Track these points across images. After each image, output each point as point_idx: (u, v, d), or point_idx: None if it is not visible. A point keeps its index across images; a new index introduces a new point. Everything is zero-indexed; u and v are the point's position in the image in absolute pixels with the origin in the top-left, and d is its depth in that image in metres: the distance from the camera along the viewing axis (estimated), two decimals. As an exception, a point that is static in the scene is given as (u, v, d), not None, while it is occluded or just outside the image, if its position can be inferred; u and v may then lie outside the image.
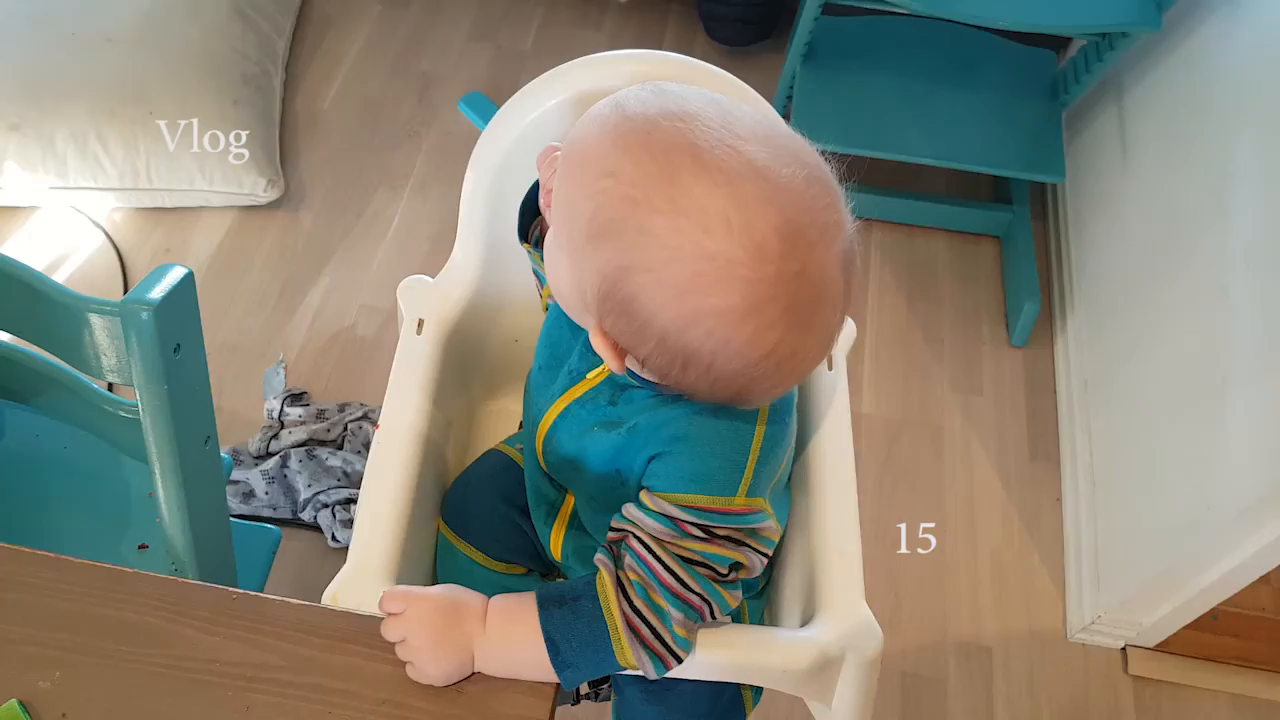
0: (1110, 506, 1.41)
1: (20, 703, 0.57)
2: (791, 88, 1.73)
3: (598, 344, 0.61)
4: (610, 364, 0.62)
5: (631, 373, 0.63)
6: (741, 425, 0.64)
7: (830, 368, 0.80)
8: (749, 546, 0.64)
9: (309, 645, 0.61)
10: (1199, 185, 1.36)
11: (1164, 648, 1.37)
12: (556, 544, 0.77)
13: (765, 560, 0.66)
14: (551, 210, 0.62)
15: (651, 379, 0.62)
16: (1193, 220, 1.36)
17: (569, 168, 0.59)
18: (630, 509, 0.64)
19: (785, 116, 1.74)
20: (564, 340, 0.71)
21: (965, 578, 1.44)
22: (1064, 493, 1.52)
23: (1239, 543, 1.17)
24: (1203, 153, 1.37)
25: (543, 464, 0.74)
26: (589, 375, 0.69)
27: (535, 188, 0.72)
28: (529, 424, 0.75)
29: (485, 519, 0.79)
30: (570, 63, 0.76)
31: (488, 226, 0.79)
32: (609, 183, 0.56)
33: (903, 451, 1.56)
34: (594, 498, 0.72)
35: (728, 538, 0.63)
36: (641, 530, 0.63)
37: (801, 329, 0.57)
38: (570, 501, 0.76)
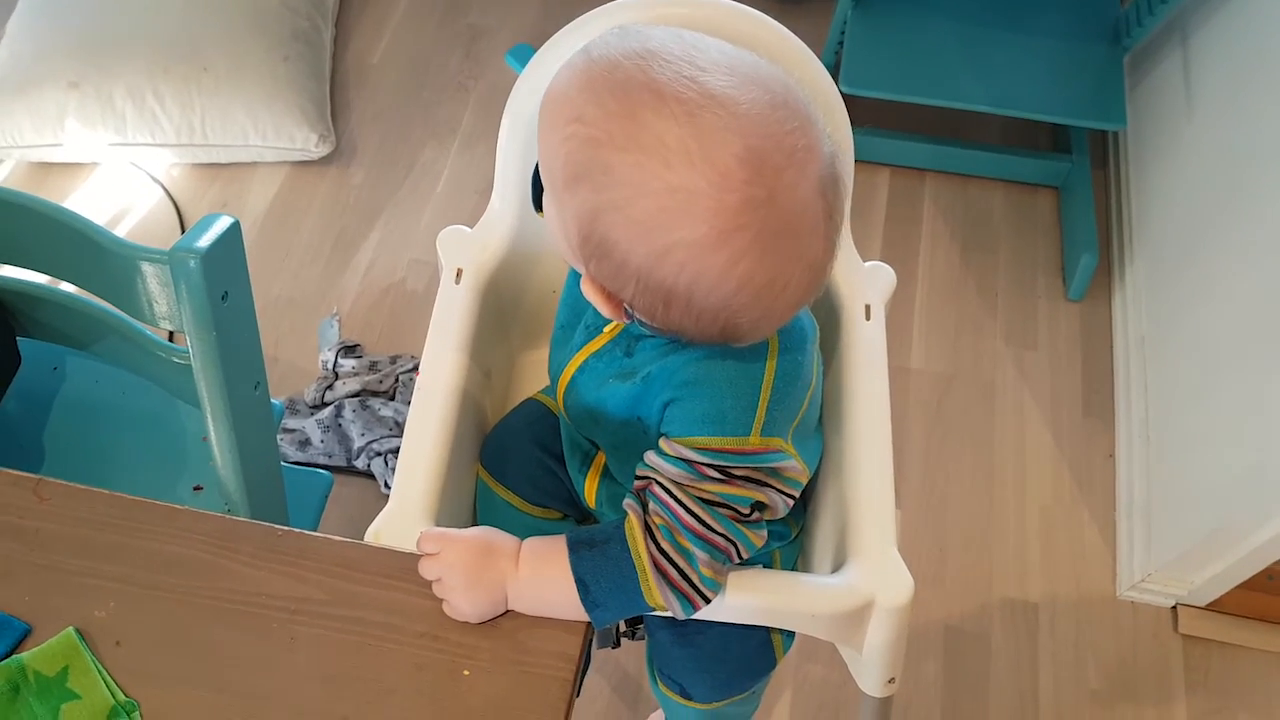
0: (1164, 463, 1.38)
1: (77, 630, 0.60)
2: (843, 34, 1.69)
3: (588, 290, 0.62)
4: (602, 309, 0.62)
5: (636, 319, 0.63)
6: (751, 364, 0.64)
7: (868, 318, 0.79)
8: (770, 486, 0.64)
9: (351, 580, 0.63)
10: (1264, 132, 1.30)
11: (1215, 607, 1.34)
12: (591, 491, 0.79)
13: (790, 501, 0.66)
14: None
15: (644, 322, 0.62)
16: (1257, 169, 1.30)
17: (544, 118, 0.59)
18: (650, 456, 0.65)
19: (836, 64, 1.71)
20: (580, 297, 0.72)
21: (1013, 533, 1.43)
22: (1118, 449, 1.49)
23: (1296, 501, 1.14)
24: (1269, 99, 1.31)
25: (566, 417, 0.75)
26: (605, 329, 0.70)
27: None
28: (552, 381, 0.76)
29: (522, 465, 0.81)
30: (605, 6, 0.75)
31: (524, 175, 0.79)
32: (575, 127, 0.56)
33: (953, 406, 1.54)
34: (619, 447, 0.73)
35: (745, 478, 0.63)
36: (662, 476, 0.63)
37: (777, 256, 0.56)
38: (602, 457, 0.77)
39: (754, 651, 0.79)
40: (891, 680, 0.73)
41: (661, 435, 0.65)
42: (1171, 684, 1.31)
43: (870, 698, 0.75)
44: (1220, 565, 1.27)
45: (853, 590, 0.67)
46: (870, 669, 0.72)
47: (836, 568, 0.71)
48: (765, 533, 0.65)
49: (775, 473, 0.64)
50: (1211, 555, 1.27)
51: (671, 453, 0.63)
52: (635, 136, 0.54)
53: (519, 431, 0.83)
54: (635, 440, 0.68)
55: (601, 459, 0.78)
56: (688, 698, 0.84)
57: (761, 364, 0.64)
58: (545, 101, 0.60)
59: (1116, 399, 1.54)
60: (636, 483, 0.66)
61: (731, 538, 0.63)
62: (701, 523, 0.62)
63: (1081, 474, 1.48)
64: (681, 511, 0.62)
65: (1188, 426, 1.35)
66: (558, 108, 0.58)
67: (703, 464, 0.63)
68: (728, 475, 0.63)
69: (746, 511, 0.63)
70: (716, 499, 0.63)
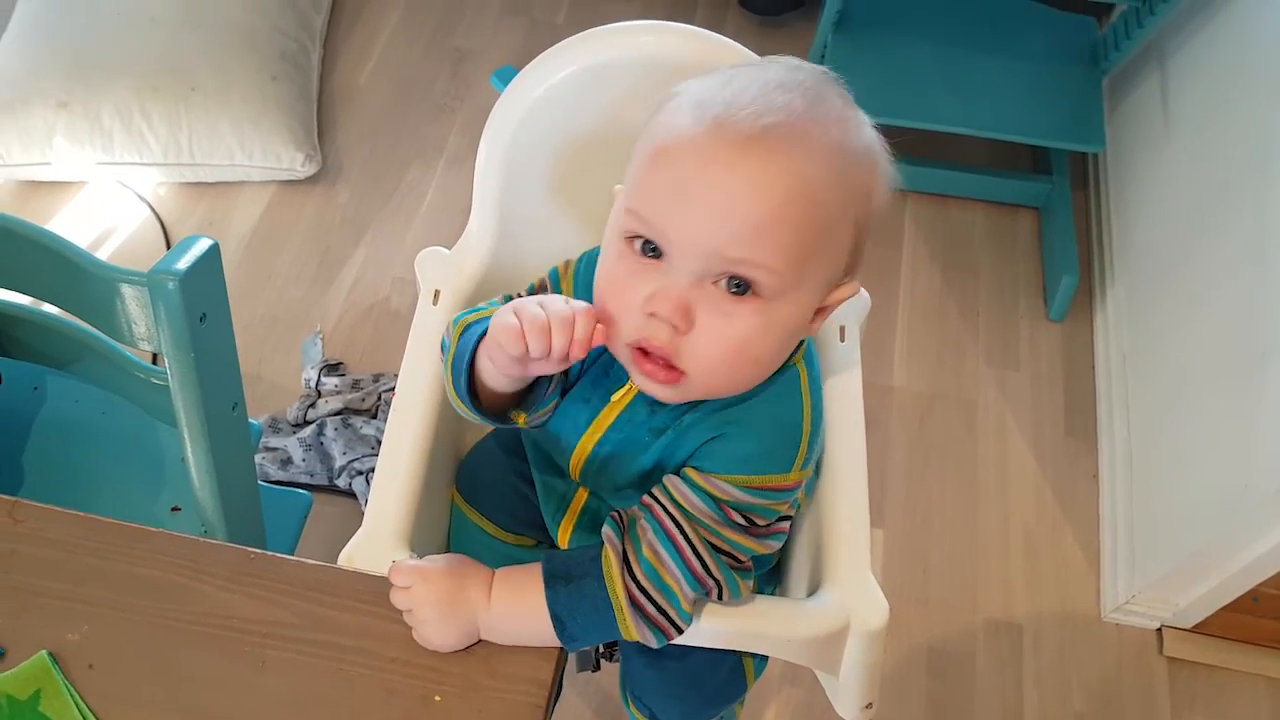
0: (1147, 483, 1.39)
1: (50, 654, 0.60)
2: (824, 57, 1.71)
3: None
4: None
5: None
6: (789, 400, 0.65)
7: (842, 340, 0.79)
8: (782, 524, 0.65)
9: (323, 604, 0.63)
10: (1242, 154, 1.31)
11: (1200, 629, 1.34)
12: (564, 537, 0.78)
13: (783, 539, 0.66)
14: (781, 267, 0.58)
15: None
16: (1235, 190, 1.32)
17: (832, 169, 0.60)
18: (674, 481, 0.64)
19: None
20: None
21: (996, 555, 1.43)
22: (1100, 469, 1.50)
23: (1277, 523, 1.14)
24: (1246, 120, 1.32)
25: (576, 478, 0.73)
26: (613, 399, 0.68)
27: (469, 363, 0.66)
28: (557, 453, 0.73)
29: (496, 491, 0.80)
30: (584, 33, 0.76)
31: (502, 197, 0.80)
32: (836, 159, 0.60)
33: (935, 426, 1.54)
34: (629, 491, 0.71)
35: (766, 526, 0.64)
36: (675, 507, 0.63)
37: None
38: (580, 499, 0.76)
39: (726, 677, 0.79)
40: (869, 705, 0.73)
41: (691, 467, 0.64)
42: (1157, 707, 1.31)
43: (848, 722, 0.75)
44: (1204, 587, 1.28)
45: (828, 614, 0.67)
46: (847, 694, 0.72)
47: (812, 592, 0.71)
48: (752, 582, 0.66)
49: (795, 503, 0.65)
50: (1196, 577, 1.28)
51: (704, 485, 0.63)
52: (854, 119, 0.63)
53: (494, 457, 0.83)
54: (649, 482, 0.67)
55: (578, 505, 0.76)
56: None
57: (798, 398, 0.65)
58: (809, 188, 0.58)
59: (1099, 419, 1.55)
60: (644, 499, 0.65)
61: (723, 583, 0.63)
62: (703, 565, 0.62)
63: (1064, 494, 1.48)
64: (687, 551, 0.62)
65: (1170, 446, 1.36)
66: (819, 175, 0.59)
67: (731, 505, 0.63)
68: (749, 523, 0.63)
69: (743, 560, 0.64)
70: (725, 547, 0.63)
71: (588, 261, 0.71)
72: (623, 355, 0.63)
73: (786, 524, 0.66)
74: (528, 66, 0.77)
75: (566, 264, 0.72)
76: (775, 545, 0.66)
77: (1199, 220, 1.40)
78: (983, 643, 1.35)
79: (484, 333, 0.64)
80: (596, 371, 0.69)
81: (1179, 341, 1.39)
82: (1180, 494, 1.31)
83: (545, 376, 0.65)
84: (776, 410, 0.64)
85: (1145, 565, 1.33)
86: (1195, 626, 1.34)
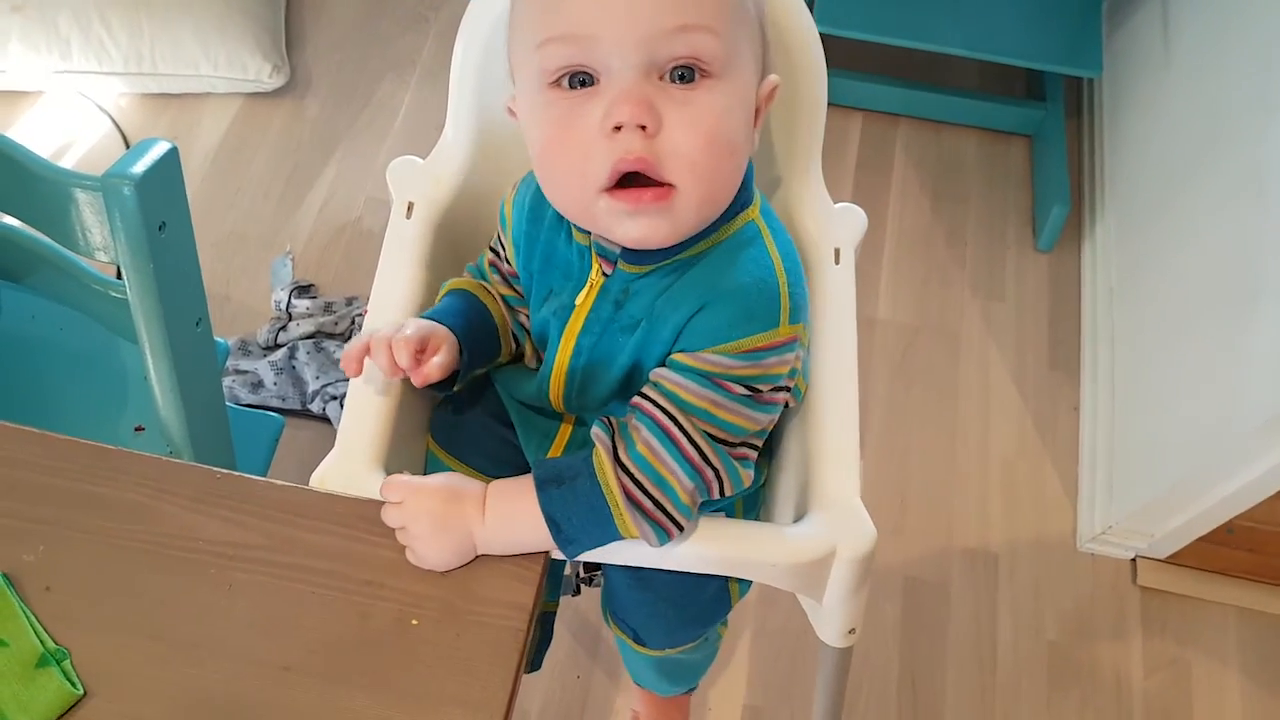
0: (1129, 416, 1.38)
1: (5, 575, 0.57)
2: (819, -26, 1.64)
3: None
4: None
5: (636, 256, 0.63)
6: (757, 255, 0.63)
7: (837, 261, 0.77)
8: (776, 395, 0.63)
9: (293, 525, 0.60)
10: (1242, 85, 1.28)
11: (1174, 560, 1.35)
12: None
13: (778, 410, 0.65)
14: (717, 66, 0.58)
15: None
16: (1233, 120, 1.29)
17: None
18: (664, 373, 0.62)
19: (810, 3, 1.66)
20: (547, 257, 0.70)
21: (975, 484, 1.43)
22: (1082, 401, 1.49)
23: (1258, 456, 1.14)
24: (1248, 51, 1.29)
25: (562, 408, 0.71)
26: (578, 302, 0.66)
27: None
28: (537, 381, 0.71)
29: (474, 435, 0.76)
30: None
31: (479, 102, 0.76)
32: None
33: (918, 357, 1.53)
34: (614, 404, 0.69)
35: (769, 391, 0.62)
36: (667, 399, 0.61)
37: None
38: (565, 431, 0.74)
39: (712, 597, 0.78)
40: (852, 631, 0.72)
41: (678, 351, 0.62)
42: (1128, 635, 1.33)
43: (830, 647, 0.74)
44: (1181, 518, 1.28)
45: (814, 539, 0.65)
46: (831, 619, 0.71)
47: (798, 518, 0.70)
48: (753, 473, 0.64)
49: (793, 372, 0.64)
50: (1173, 508, 1.28)
51: (696, 364, 0.61)
52: None
53: (468, 401, 0.79)
54: (631, 386, 0.66)
55: (564, 437, 0.74)
56: (640, 643, 0.83)
57: (764, 252, 0.63)
58: None
59: (1083, 351, 1.54)
60: (634, 400, 0.63)
61: (723, 472, 0.62)
62: (700, 453, 0.61)
63: (1045, 426, 1.48)
64: (683, 441, 0.60)
65: (1154, 380, 1.35)
66: None
67: (729, 379, 0.61)
68: (753, 391, 0.61)
69: (736, 442, 0.62)
70: (721, 433, 0.61)
71: (526, 182, 0.69)
72: (601, 211, 0.60)
73: (783, 395, 0.64)
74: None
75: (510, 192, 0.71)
76: (771, 417, 0.64)
77: (1194, 152, 1.37)
78: (958, 571, 1.36)
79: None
80: (560, 275, 0.67)
81: (1168, 275, 1.37)
82: (1162, 427, 1.30)
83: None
84: (746, 269, 0.62)
85: (1123, 497, 1.34)
86: (1169, 557, 1.35)
